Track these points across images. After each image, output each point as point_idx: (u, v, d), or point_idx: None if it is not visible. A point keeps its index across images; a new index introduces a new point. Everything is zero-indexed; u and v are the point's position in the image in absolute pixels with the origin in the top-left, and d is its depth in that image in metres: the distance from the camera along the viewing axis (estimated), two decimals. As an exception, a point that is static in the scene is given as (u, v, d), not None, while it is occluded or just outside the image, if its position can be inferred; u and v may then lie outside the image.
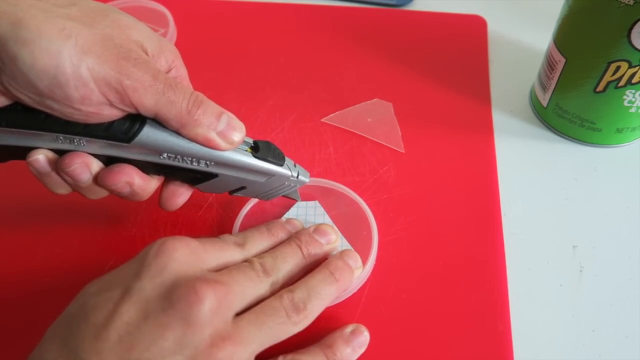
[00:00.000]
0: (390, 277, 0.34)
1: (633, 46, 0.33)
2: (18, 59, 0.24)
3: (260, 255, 0.29)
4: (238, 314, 0.26)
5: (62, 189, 0.30)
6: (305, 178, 0.32)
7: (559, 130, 0.41)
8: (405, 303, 0.32)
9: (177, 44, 0.49)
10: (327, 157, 0.40)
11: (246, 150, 0.30)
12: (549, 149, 0.41)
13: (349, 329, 0.30)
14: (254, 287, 0.27)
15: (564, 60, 0.38)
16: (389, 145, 0.41)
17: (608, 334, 0.31)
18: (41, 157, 0.28)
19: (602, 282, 0.33)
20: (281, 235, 0.31)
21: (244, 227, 0.36)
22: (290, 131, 0.42)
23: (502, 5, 0.51)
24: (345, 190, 0.37)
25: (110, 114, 0.27)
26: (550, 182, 0.39)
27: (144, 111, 0.27)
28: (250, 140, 0.31)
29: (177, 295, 0.24)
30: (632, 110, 0.37)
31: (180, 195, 0.32)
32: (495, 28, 0.49)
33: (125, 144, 0.28)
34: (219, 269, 0.27)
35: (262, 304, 0.26)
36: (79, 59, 0.24)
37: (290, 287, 0.28)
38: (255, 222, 0.36)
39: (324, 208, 0.36)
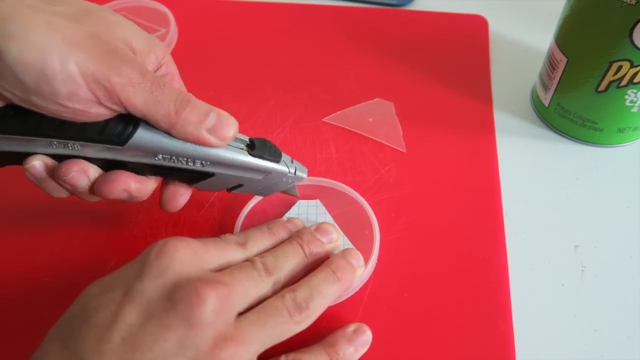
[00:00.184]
0: (392, 276, 0.33)
1: (635, 46, 0.33)
2: (5, 53, 0.23)
3: (261, 254, 0.29)
4: (240, 314, 0.26)
5: (61, 194, 0.30)
6: (303, 174, 0.32)
7: (560, 130, 0.41)
8: (407, 302, 0.32)
9: (178, 44, 0.49)
10: (328, 156, 0.40)
11: (242, 148, 0.30)
12: (550, 148, 0.41)
13: (351, 328, 0.30)
14: (256, 286, 0.27)
15: (565, 59, 0.38)
16: (390, 145, 0.41)
17: (610, 334, 0.31)
18: (37, 164, 0.28)
19: (604, 282, 0.33)
20: (282, 234, 0.31)
21: (246, 227, 0.36)
22: (291, 131, 0.42)
23: (503, 5, 0.51)
24: (346, 189, 0.37)
25: (98, 112, 0.26)
26: (551, 181, 0.39)
27: (133, 111, 0.26)
28: (246, 138, 0.31)
29: (179, 297, 0.24)
30: (634, 110, 0.37)
31: (181, 195, 0.32)
32: (497, 28, 0.49)
33: (119, 147, 0.28)
34: (221, 269, 0.27)
35: (265, 303, 0.26)
36: (67, 53, 0.24)
37: (293, 287, 0.28)
38: (257, 221, 0.36)
39: (326, 207, 0.36)
